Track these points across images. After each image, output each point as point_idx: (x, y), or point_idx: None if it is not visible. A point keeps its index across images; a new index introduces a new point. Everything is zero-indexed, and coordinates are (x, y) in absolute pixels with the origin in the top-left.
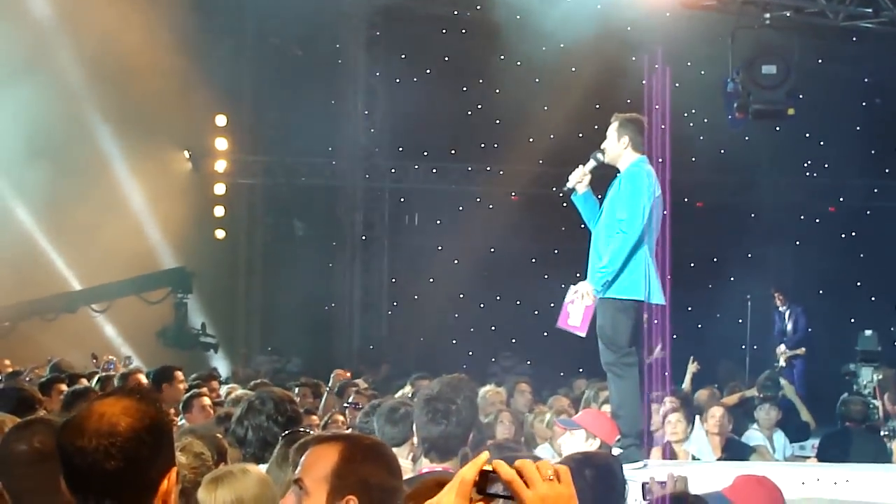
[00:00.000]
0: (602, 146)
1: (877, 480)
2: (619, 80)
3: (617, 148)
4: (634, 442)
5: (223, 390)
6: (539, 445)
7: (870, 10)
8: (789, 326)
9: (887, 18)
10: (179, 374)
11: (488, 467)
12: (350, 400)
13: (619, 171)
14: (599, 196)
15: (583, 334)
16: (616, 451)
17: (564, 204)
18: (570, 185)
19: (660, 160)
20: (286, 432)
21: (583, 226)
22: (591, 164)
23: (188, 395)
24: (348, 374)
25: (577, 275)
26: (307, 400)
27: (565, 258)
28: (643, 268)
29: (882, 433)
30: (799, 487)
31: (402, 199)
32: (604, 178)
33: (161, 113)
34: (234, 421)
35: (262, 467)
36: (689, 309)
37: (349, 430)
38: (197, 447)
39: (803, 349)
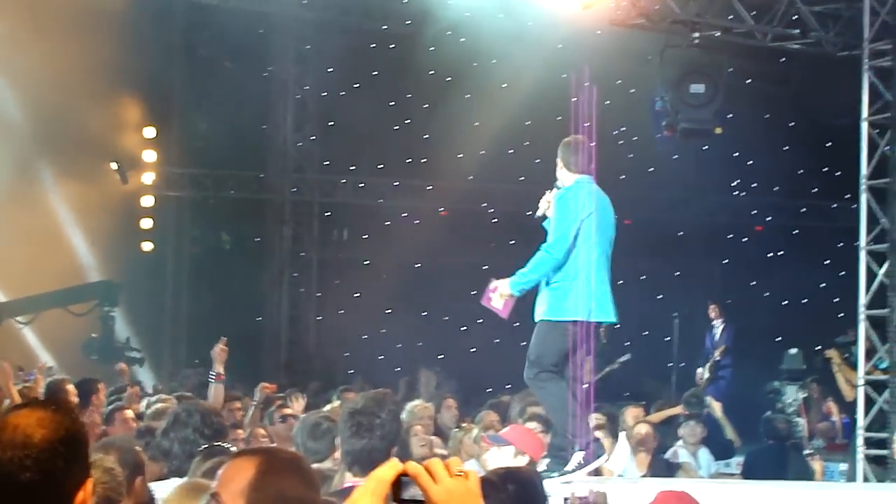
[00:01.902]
0: None
1: (800, 498)
2: (549, 96)
3: (559, 171)
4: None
5: (143, 403)
6: (466, 462)
7: (797, 31)
8: (715, 341)
9: (814, 39)
10: (103, 387)
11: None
12: (279, 415)
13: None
14: None
15: (504, 317)
16: (578, 457)
17: (494, 220)
18: (539, 212)
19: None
20: (205, 446)
21: (512, 241)
22: (556, 191)
23: (110, 407)
24: (274, 388)
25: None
26: (237, 413)
27: (494, 274)
28: (582, 288)
29: (805, 452)
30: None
31: (329, 214)
32: None
33: (89, 125)
34: (160, 433)
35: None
36: (617, 326)
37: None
38: (108, 462)
39: (720, 349)
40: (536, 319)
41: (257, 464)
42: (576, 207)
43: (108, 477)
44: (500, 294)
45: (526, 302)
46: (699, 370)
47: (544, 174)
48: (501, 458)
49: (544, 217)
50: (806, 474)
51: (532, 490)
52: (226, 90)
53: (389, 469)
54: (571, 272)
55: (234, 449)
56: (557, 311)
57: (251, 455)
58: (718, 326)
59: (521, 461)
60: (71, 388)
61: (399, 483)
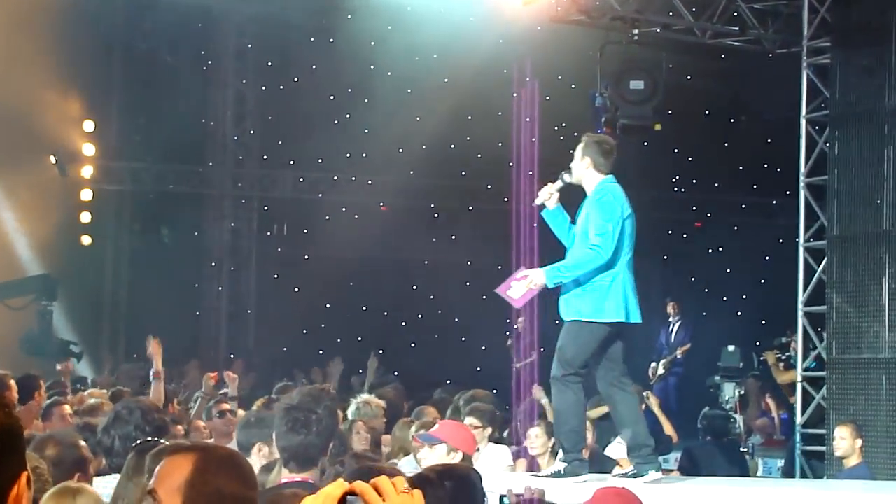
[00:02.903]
0: (570, 165)
1: (736, 495)
2: (491, 91)
3: (580, 168)
4: (577, 457)
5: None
6: (404, 457)
7: (736, 29)
8: (673, 339)
9: (753, 37)
10: (42, 383)
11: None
12: (217, 410)
13: (586, 193)
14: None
15: (517, 307)
16: (561, 467)
17: (436, 215)
18: (538, 201)
19: (529, 172)
20: (136, 443)
21: (454, 236)
22: (559, 183)
23: (48, 402)
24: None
25: (447, 286)
26: (176, 408)
27: (435, 269)
28: (620, 289)
29: (742, 448)
30: (660, 500)
31: (268, 208)
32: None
33: (28, 118)
34: (101, 430)
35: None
36: (558, 322)
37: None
38: (33, 461)
39: (684, 348)
40: (569, 318)
41: (194, 461)
42: (620, 206)
43: (34, 475)
44: (529, 283)
45: (462, 298)
46: (653, 365)
47: (485, 169)
48: (435, 455)
49: (542, 206)
50: (743, 470)
51: (469, 487)
52: (165, 84)
53: (337, 487)
54: (612, 273)
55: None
56: (598, 311)
57: (188, 452)
58: (675, 323)
59: (455, 458)
60: (13, 383)
61: (345, 501)
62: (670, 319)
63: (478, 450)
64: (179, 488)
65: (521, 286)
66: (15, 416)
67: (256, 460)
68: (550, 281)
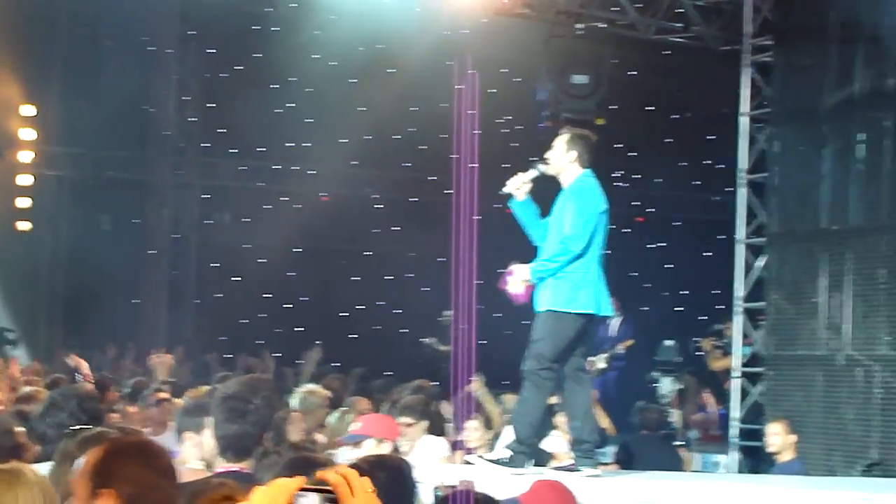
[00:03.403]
0: (546, 156)
1: (670, 489)
2: (435, 83)
3: (563, 161)
4: (524, 450)
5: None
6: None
7: (680, 25)
8: (615, 333)
9: (696, 34)
10: None
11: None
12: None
13: (561, 185)
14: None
15: (524, 301)
16: (506, 454)
17: (379, 206)
18: (506, 190)
19: (472, 165)
20: (69, 430)
21: (394, 227)
22: (533, 173)
23: None
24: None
25: (389, 277)
26: (115, 396)
27: (376, 261)
28: (592, 281)
29: (677, 442)
30: (595, 493)
31: (209, 196)
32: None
33: None
34: (36, 417)
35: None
36: (498, 315)
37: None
38: None
39: (627, 343)
40: (542, 309)
41: (105, 448)
42: (598, 200)
43: None
44: (520, 280)
45: (403, 289)
46: (590, 358)
47: (428, 160)
48: (364, 452)
49: (510, 196)
50: (678, 465)
51: (402, 478)
52: (107, 70)
53: (294, 481)
54: (585, 265)
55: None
56: (571, 302)
57: (103, 440)
58: (617, 318)
59: (385, 447)
60: None
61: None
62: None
63: (404, 439)
64: (87, 473)
65: (518, 282)
66: None
67: (189, 449)
68: (535, 276)
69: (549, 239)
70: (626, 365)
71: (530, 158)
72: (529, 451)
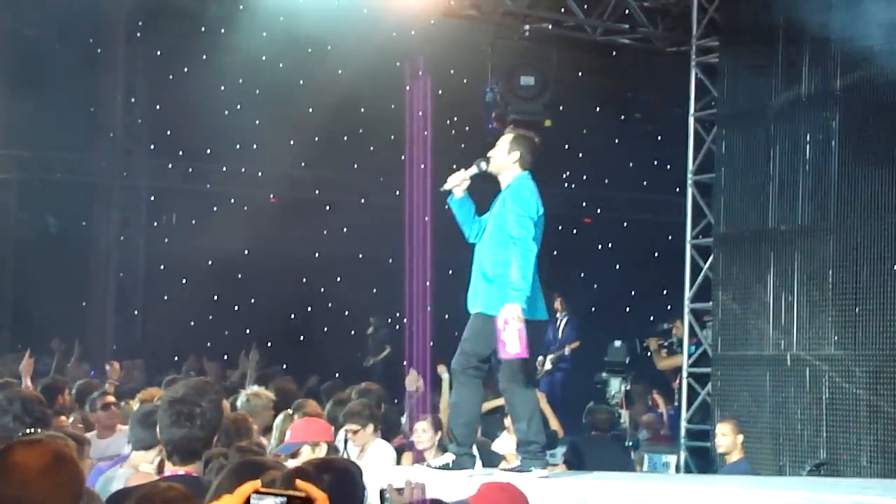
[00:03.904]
0: (489, 154)
1: (619, 489)
2: (384, 84)
3: (505, 160)
4: (468, 451)
5: None
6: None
7: (626, 27)
8: (560, 334)
9: (643, 35)
10: None
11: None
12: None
13: (500, 184)
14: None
15: (527, 356)
16: (449, 459)
17: (328, 207)
18: (447, 187)
19: (421, 166)
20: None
21: (345, 229)
22: (473, 170)
23: None
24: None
25: (338, 279)
26: (67, 398)
27: (327, 262)
28: (528, 284)
29: (627, 442)
30: (545, 495)
31: (154, 198)
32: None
33: None
34: None
35: None
36: (447, 317)
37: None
38: None
39: (573, 345)
40: (474, 311)
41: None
42: (537, 202)
43: None
44: (512, 325)
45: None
46: (539, 359)
47: (378, 161)
48: (302, 459)
49: (449, 192)
50: (627, 465)
51: (349, 480)
52: (54, 71)
53: (249, 486)
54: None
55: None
56: (497, 306)
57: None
58: (562, 319)
59: (321, 451)
60: None
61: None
62: (557, 315)
63: (352, 443)
64: None
65: (511, 336)
66: None
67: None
68: (520, 301)
69: (485, 238)
70: (571, 366)
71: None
72: (472, 453)
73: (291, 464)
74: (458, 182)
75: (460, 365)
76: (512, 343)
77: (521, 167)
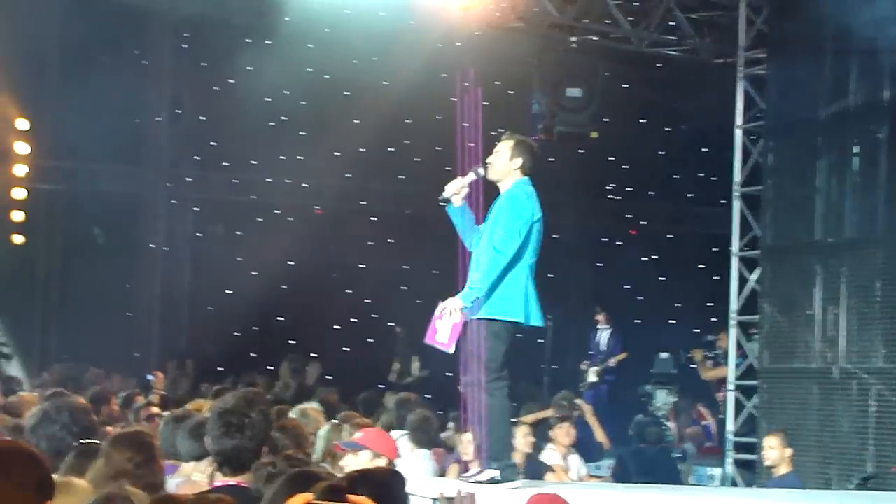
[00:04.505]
0: (488, 161)
1: (669, 501)
2: (430, 95)
3: (506, 167)
4: (510, 463)
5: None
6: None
7: (674, 38)
8: (604, 346)
9: (690, 47)
10: None
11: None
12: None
13: (499, 190)
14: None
15: (450, 350)
16: (495, 474)
17: (373, 218)
18: (445, 195)
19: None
20: (76, 445)
21: (391, 241)
22: (471, 177)
23: None
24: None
25: (384, 290)
26: (113, 408)
27: (370, 273)
28: (522, 289)
29: (674, 454)
30: None
31: (198, 209)
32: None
33: None
34: (29, 430)
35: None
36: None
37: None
38: None
39: (619, 357)
40: (479, 317)
41: None
42: (530, 207)
43: None
44: (451, 313)
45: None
46: (583, 368)
47: (424, 173)
48: (359, 462)
49: (448, 201)
50: (675, 478)
51: (387, 492)
52: (101, 83)
53: (301, 498)
54: (513, 273)
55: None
56: (500, 310)
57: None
58: (604, 331)
59: (379, 464)
60: None
61: None
62: (598, 327)
63: (399, 456)
64: None
65: (445, 325)
66: None
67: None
68: (467, 300)
69: (481, 244)
70: (617, 378)
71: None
72: (513, 464)
73: (351, 459)
74: (456, 190)
75: (485, 379)
76: (443, 332)
77: (523, 173)
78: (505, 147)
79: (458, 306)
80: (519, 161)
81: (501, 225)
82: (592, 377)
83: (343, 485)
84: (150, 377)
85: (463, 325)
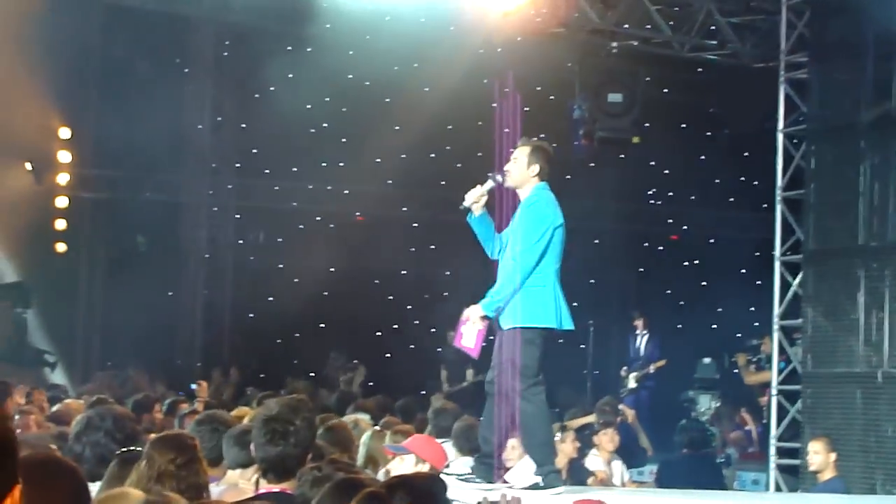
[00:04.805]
0: (506, 168)
1: None
2: (471, 101)
3: (524, 174)
4: (553, 469)
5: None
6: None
7: (714, 42)
8: (642, 351)
9: (731, 50)
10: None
11: None
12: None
13: (519, 198)
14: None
15: (475, 356)
16: (538, 479)
17: (415, 224)
18: (466, 204)
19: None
20: (119, 451)
21: (432, 247)
22: (490, 184)
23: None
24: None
25: (426, 296)
26: (157, 416)
27: (412, 280)
28: (551, 295)
29: (718, 460)
30: None
31: (242, 217)
32: None
33: (3, 124)
34: (72, 437)
35: (97, 485)
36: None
37: None
38: None
39: (658, 363)
40: (506, 327)
41: None
42: (551, 213)
43: None
44: (472, 323)
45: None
46: (622, 373)
47: (465, 178)
48: (404, 466)
49: (468, 210)
50: (720, 484)
51: (428, 498)
52: (142, 92)
53: None
54: (542, 279)
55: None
56: (533, 317)
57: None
58: (642, 336)
59: (423, 469)
60: None
61: None
62: (636, 333)
63: (448, 463)
64: None
65: (470, 330)
66: (8, 428)
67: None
68: (488, 310)
69: (507, 253)
70: (656, 384)
71: (566, 177)
72: (556, 470)
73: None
74: (475, 198)
75: (522, 386)
76: (468, 337)
77: (541, 178)
78: (522, 154)
79: (478, 314)
80: (536, 168)
81: (522, 234)
82: (632, 383)
83: (382, 492)
84: (193, 386)
85: (486, 331)
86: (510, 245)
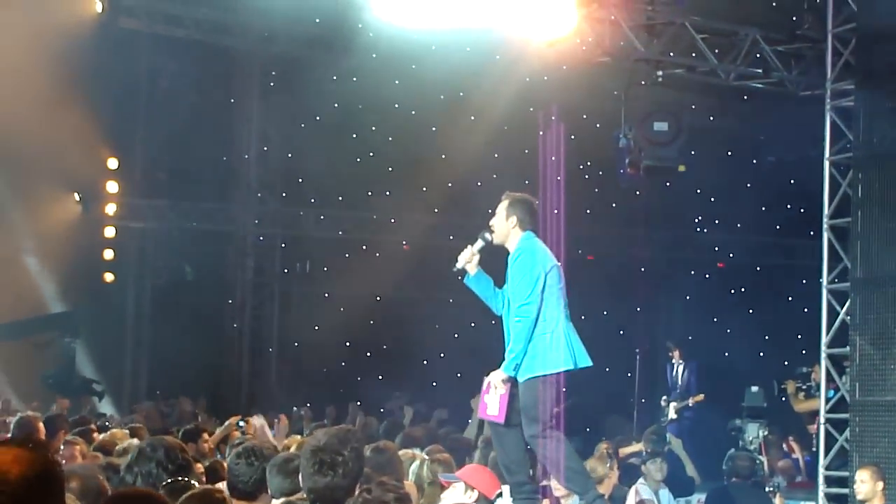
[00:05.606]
0: (490, 224)
1: None
2: (517, 129)
3: (504, 228)
4: (596, 495)
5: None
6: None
7: (759, 71)
8: (679, 381)
9: (776, 79)
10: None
11: None
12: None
13: (508, 252)
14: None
15: (501, 421)
16: None
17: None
18: (459, 265)
19: (555, 211)
20: (167, 481)
21: None
22: (480, 243)
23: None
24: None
25: (473, 325)
26: (206, 446)
27: (458, 308)
28: (561, 338)
29: (767, 489)
30: None
31: (284, 245)
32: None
33: (52, 155)
34: (124, 467)
35: None
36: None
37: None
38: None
39: (697, 398)
40: (523, 378)
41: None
42: (540, 262)
43: None
44: (494, 389)
45: (486, 334)
46: (664, 403)
47: None
48: (454, 495)
49: (464, 272)
50: None
51: None
52: (189, 122)
53: None
54: (548, 325)
55: (196, 484)
56: (547, 364)
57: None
58: (678, 366)
59: (472, 497)
60: (41, 425)
61: None
62: (673, 362)
63: (500, 492)
64: None
65: (493, 399)
66: (56, 460)
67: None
68: (508, 370)
69: (510, 310)
70: (699, 415)
71: (612, 205)
72: (600, 495)
73: (448, 492)
74: (468, 259)
75: (535, 431)
76: (492, 405)
77: (522, 229)
78: (501, 208)
79: (501, 378)
80: (514, 220)
81: (514, 292)
82: (672, 413)
83: None
84: (241, 424)
85: (509, 396)
86: (511, 302)
